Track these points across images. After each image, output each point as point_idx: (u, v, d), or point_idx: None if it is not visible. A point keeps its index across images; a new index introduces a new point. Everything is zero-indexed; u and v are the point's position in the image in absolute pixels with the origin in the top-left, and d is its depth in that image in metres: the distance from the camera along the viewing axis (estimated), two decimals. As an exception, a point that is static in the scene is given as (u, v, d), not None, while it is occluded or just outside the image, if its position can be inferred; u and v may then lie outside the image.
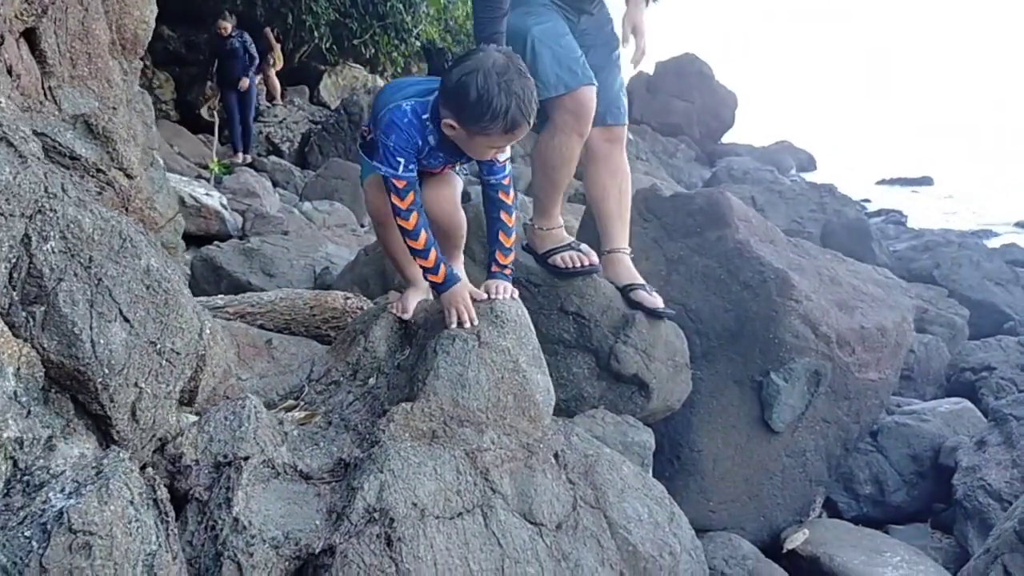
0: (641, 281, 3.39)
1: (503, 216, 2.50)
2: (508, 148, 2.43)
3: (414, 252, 2.38)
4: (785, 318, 3.59)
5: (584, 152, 3.20)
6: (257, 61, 11.24)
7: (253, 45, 10.98)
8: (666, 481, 2.97)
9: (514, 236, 2.56)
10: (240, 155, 10.89)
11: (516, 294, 2.54)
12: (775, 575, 3.24)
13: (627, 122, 3.29)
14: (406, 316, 2.66)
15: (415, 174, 2.31)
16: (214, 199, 6.80)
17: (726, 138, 24.17)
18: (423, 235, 2.34)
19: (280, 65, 13.83)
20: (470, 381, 2.30)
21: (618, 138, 3.24)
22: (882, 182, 24.72)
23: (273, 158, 11.58)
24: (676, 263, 4.01)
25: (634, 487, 2.72)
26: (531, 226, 3.36)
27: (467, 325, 2.37)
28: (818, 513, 3.96)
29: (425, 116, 2.27)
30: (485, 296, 2.50)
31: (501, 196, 2.48)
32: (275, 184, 9.60)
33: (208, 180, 8.28)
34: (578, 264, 3.25)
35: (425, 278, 2.47)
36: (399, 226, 2.34)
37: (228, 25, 10.88)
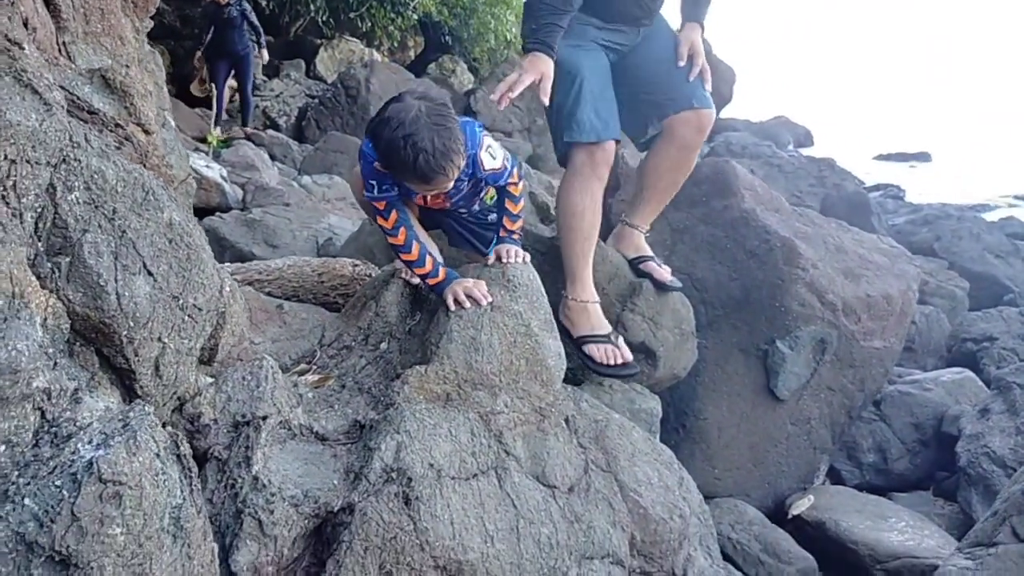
0: (651, 254, 3.35)
1: (510, 190, 2.54)
2: (498, 153, 2.45)
3: (409, 264, 2.43)
4: (791, 286, 3.59)
5: (665, 135, 3.11)
6: (261, 31, 10.67)
7: (253, 14, 10.46)
8: (672, 448, 2.99)
9: (521, 204, 2.57)
10: (219, 128, 10.16)
11: (527, 258, 2.54)
12: (781, 540, 3.26)
13: (713, 110, 3.12)
14: (415, 280, 2.66)
15: (394, 193, 2.35)
16: (214, 171, 6.75)
17: (724, 113, 24.02)
18: (415, 247, 2.40)
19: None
20: (483, 345, 2.30)
21: (704, 127, 3.09)
22: (880, 157, 24.66)
23: (271, 132, 11.50)
24: (681, 232, 4.01)
25: (644, 452, 2.74)
26: (564, 298, 3.04)
27: (484, 303, 2.34)
28: (822, 480, 3.98)
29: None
30: (494, 260, 2.49)
31: (509, 188, 2.55)
32: (273, 158, 9.53)
33: (207, 153, 8.23)
34: (614, 361, 2.97)
35: (425, 283, 2.47)
36: (391, 244, 2.42)
37: None
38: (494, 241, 2.57)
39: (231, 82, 10.85)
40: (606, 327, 3.03)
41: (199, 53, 10.63)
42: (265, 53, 10.92)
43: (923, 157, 25.05)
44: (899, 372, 4.99)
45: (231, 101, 11.16)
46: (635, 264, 3.33)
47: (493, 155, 2.40)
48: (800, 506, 3.53)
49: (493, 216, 2.70)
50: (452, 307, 2.33)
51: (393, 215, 2.35)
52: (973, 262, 7.69)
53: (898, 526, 3.31)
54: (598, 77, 2.93)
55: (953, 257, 7.73)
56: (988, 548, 2.57)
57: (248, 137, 10.18)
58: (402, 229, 2.37)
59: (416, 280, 2.67)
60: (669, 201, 3.35)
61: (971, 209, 10.53)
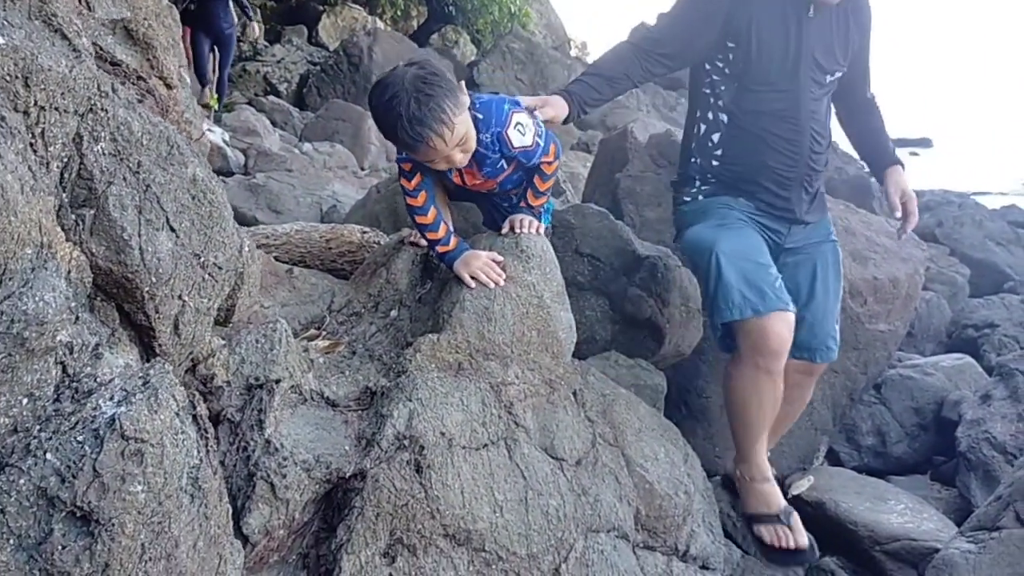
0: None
1: (543, 168, 2.47)
2: (529, 130, 2.36)
3: (423, 227, 2.39)
4: (799, 266, 3.57)
5: None
6: (247, 7, 9.92)
7: None
8: (674, 425, 2.98)
9: (550, 183, 2.51)
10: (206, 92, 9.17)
11: (543, 229, 2.51)
12: (781, 518, 3.27)
13: (833, 360, 2.85)
14: (422, 243, 2.63)
15: None
16: (216, 135, 6.71)
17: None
18: (432, 211, 2.37)
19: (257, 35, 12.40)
20: (495, 315, 2.28)
21: (816, 374, 2.87)
22: (881, 143, 24.59)
23: (271, 98, 11.41)
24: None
25: (651, 427, 2.74)
26: (734, 468, 2.89)
27: (491, 286, 2.29)
28: (821, 461, 3.99)
29: None
30: (508, 230, 2.47)
31: (542, 167, 2.47)
32: (274, 124, 9.46)
33: (208, 117, 8.16)
34: (785, 544, 2.67)
35: (434, 251, 2.42)
36: (408, 205, 2.38)
37: None
38: (512, 211, 2.53)
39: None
40: (777, 505, 2.74)
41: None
42: (256, 27, 10.29)
43: (925, 143, 24.99)
44: (900, 356, 4.99)
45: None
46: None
47: (522, 132, 2.33)
48: (800, 486, 3.54)
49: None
50: (470, 283, 2.28)
51: (417, 178, 2.33)
52: (974, 249, 7.68)
53: (897, 508, 3.32)
54: (741, 241, 2.62)
55: (954, 243, 7.71)
56: (991, 532, 2.58)
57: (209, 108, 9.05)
58: (423, 193, 2.34)
59: (424, 243, 2.65)
60: (775, 433, 2.95)
61: (973, 196, 10.49)
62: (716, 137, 2.76)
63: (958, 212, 8.23)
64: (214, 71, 9.73)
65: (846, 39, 2.68)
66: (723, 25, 2.63)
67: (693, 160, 2.84)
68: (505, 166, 2.43)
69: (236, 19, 9.72)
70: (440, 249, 2.39)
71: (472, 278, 2.29)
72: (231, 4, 9.41)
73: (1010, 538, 2.52)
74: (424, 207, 2.35)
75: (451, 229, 2.42)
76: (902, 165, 2.86)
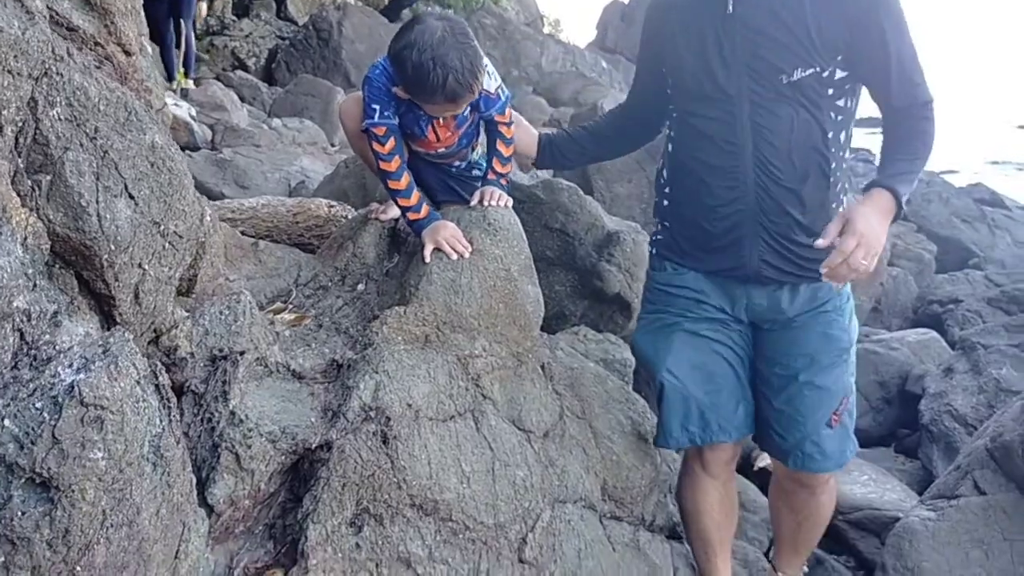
0: None
1: (502, 130, 2.49)
2: (493, 80, 2.41)
3: (395, 192, 2.38)
4: (767, 241, 3.60)
5: (775, 471, 2.53)
6: None
7: None
8: (643, 399, 3.00)
9: (512, 148, 2.52)
10: (176, 82, 8.50)
11: (511, 203, 2.51)
12: (747, 490, 3.31)
13: (830, 471, 2.34)
14: (384, 217, 2.63)
15: (394, 121, 2.33)
16: (182, 110, 6.59)
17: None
18: (405, 176, 2.36)
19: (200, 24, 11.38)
20: (463, 287, 2.28)
21: (809, 484, 2.38)
22: (850, 122, 24.79)
23: (239, 73, 11.24)
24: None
25: (617, 400, 2.76)
26: None
27: (455, 257, 2.29)
28: (787, 435, 4.04)
29: (388, 76, 2.30)
30: (477, 201, 2.46)
31: (498, 121, 2.48)
32: (242, 99, 9.32)
33: (174, 91, 8.02)
34: None
35: (405, 218, 2.43)
36: (381, 170, 2.36)
37: None
38: (481, 183, 2.53)
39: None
40: None
41: None
42: (203, 6, 9.27)
43: (893, 123, 25.11)
44: (866, 332, 5.06)
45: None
46: None
47: (490, 74, 2.37)
48: (765, 458, 3.58)
49: (479, 171, 2.67)
50: (427, 258, 2.28)
51: (391, 142, 2.32)
52: (941, 226, 7.79)
53: (861, 479, 3.38)
54: (689, 365, 2.31)
55: (921, 220, 7.83)
56: (950, 500, 2.64)
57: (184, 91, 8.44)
58: (396, 157, 2.34)
59: (390, 216, 2.65)
60: (811, 542, 2.60)
61: (940, 174, 10.63)
62: (665, 173, 2.35)
63: (926, 190, 8.34)
64: (177, 38, 8.89)
65: (805, 27, 2.01)
66: (656, 58, 2.33)
67: (655, 199, 2.45)
68: (468, 114, 2.46)
69: None
70: (411, 216, 2.38)
71: (437, 248, 2.29)
72: None
73: (968, 506, 2.58)
74: (398, 172, 2.35)
75: (422, 197, 2.41)
76: (893, 193, 1.92)
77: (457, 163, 2.67)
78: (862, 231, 1.82)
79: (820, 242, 1.87)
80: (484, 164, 2.65)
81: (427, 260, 2.29)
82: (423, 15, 2.21)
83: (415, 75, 2.12)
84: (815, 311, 2.21)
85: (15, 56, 1.21)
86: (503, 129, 2.48)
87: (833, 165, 2.10)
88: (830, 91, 2.06)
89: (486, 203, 2.45)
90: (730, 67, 2.08)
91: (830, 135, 2.08)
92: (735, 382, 2.31)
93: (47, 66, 1.30)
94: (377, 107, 2.30)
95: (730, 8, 2.05)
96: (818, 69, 2.02)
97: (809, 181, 2.09)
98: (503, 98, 2.44)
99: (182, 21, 8.67)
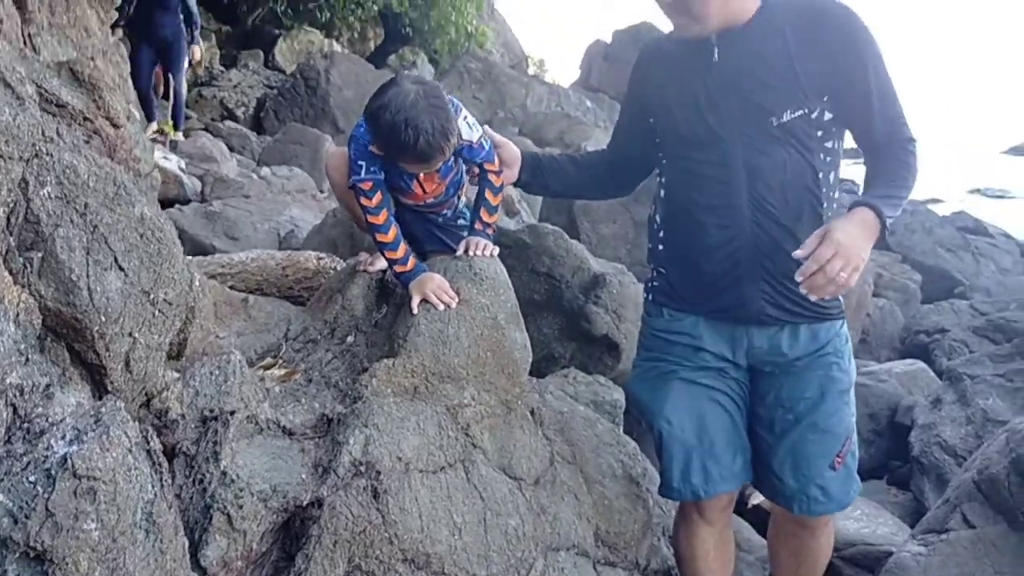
0: None
1: (491, 179, 2.53)
2: (476, 129, 2.47)
3: (383, 245, 2.43)
4: (751, 280, 3.64)
5: (773, 513, 2.52)
6: (197, 19, 8.68)
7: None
8: (634, 440, 3.02)
9: (500, 198, 2.57)
10: (153, 125, 8.11)
11: (496, 252, 2.55)
12: (742, 529, 3.32)
13: (833, 512, 2.35)
14: (372, 269, 2.68)
15: (380, 176, 2.39)
16: (172, 163, 6.66)
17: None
18: (392, 230, 2.41)
19: (200, 72, 11.76)
20: (450, 338, 2.31)
21: (810, 525, 2.36)
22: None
23: (228, 123, 11.35)
24: (643, 226, 4.04)
25: (608, 443, 2.78)
26: None
27: (441, 308, 2.34)
28: (780, 470, 4.05)
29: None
30: (462, 252, 2.50)
31: (487, 168, 2.52)
32: (231, 149, 9.40)
33: (163, 144, 8.09)
34: None
35: (392, 270, 2.48)
36: (369, 224, 2.41)
37: None
38: (468, 233, 2.57)
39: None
40: None
41: (121, 28, 8.14)
42: (197, 50, 8.87)
43: (876, 153, 25.36)
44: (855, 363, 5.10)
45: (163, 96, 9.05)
46: None
47: (471, 126, 2.44)
48: (759, 496, 3.59)
49: (464, 220, 2.73)
50: (415, 310, 2.32)
51: (378, 196, 2.38)
52: (925, 255, 7.87)
53: (853, 514, 3.39)
54: (688, 415, 2.29)
55: (906, 251, 7.90)
56: (940, 535, 2.66)
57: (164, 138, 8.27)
58: (384, 211, 2.39)
59: (377, 267, 2.69)
60: None
61: (923, 203, 10.75)
62: (659, 217, 2.36)
63: (909, 219, 8.43)
64: (166, 89, 8.88)
65: (791, 69, 2.04)
66: (643, 111, 2.36)
67: (648, 246, 2.46)
68: (453, 164, 2.53)
69: (182, 29, 8.51)
70: (398, 268, 2.43)
71: (423, 300, 2.34)
72: (179, 11, 8.38)
73: (958, 539, 2.60)
74: (385, 226, 2.39)
75: (409, 250, 2.46)
76: (876, 212, 1.90)
77: (444, 212, 2.73)
78: (839, 240, 1.81)
79: (798, 252, 1.86)
80: (468, 213, 2.71)
81: (414, 312, 2.33)
82: (399, 78, 2.28)
83: (388, 135, 2.20)
84: (816, 354, 2.19)
85: (6, 141, 1.26)
86: (492, 177, 2.52)
87: (825, 205, 2.12)
88: (819, 132, 2.09)
89: (471, 253, 2.49)
90: (720, 112, 2.12)
91: (820, 175, 2.11)
92: (733, 431, 2.31)
93: (37, 148, 1.34)
94: (363, 163, 2.36)
95: (715, 56, 2.11)
96: (806, 111, 2.05)
97: (803, 220, 2.10)
98: (487, 147, 2.49)
99: (171, 74, 8.61)
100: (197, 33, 8.71)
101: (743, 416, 2.33)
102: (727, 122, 2.11)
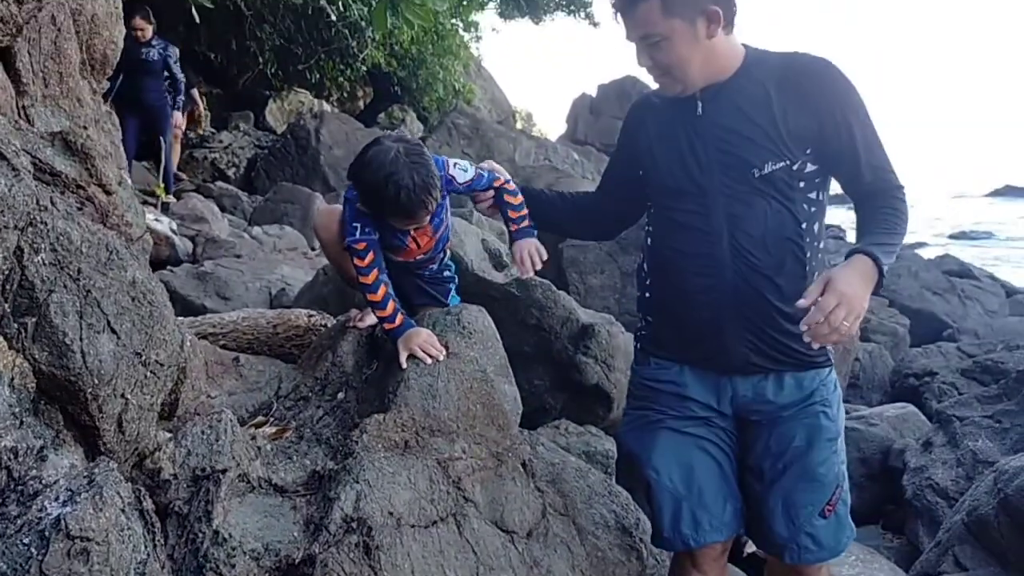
0: None
1: (504, 187, 2.60)
2: (469, 167, 2.56)
3: (373, 304, 2.48)
4: (738, 327, 3.68)
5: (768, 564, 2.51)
6: (182, 85, 8.82)
7: (178, 63, 8.64)
8: (627, 490, 3.02)
9: (520, 198, 2.60)
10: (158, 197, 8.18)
11: (545, 255, 2.56)
12: (736, 577, 3.31)
13: (825, 561, 2.30)
14: (362, 325, 2.71)
15: (375, 236, 2.45)
16: (163, 224, 6.71)
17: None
18: (382, 289, 2.45)
19: (205, 126, 12.25)
20: (440, 391, 2.34)
21: (804, 574, 2.32)
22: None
23: (220, 183, 11.45)
24: (630, 276, 4.11)
25: (600, 494, 2.78)
26: None
27: (429, 362, 2.38)
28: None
29: None
30: (519, 260, 2.53)
31: (496, 186, 2.59)
32: (223, 209, 9.47)
33: (155, 206, 8.16)
34: None
35: (381, 328, 2.54)
36: (361, 283, 2.46)
37: (147, 27, 8.16)
38: (512, 236, 2.59)
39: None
40: None
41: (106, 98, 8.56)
42: (178, 116, 8.92)
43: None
44: (845, 408, 5.11)
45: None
46: None
47: (464, 169, 2.53)
48: (754, 544, 3.59)
49: (450, 272, 2.82)
50: (403, 364, 2.36)
51: (370, 256, 2.43)
52: (912, 299, 7.95)
53: (848, 560, 3.38)
54: (676, 462, 2.29)
55: (893, 295, 7.98)
56: (934, 578, 2.66)
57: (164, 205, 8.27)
58: (375, 271, 2.43)
59: (367, 323, 2.72)
60: None
61: (909, 247, 10.87)
62: (646, 266, 2.39)
63: (895, 264, 8.50)
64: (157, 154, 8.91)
65: (773, 122, 2.08)
66: (632, 161, 2.40)
67: (637, 294, 2.50)
68: (443, 217, 2.61)
69: (168, 96, 8.69)
70: (387, 326, 2.47)
71: (410, 356, 2.37)
72: (163, 78, 8.54)
73: (951, 582, 2.60)
74: (375, 284, 2.44)
75: (398, 307, 2.50)
76: (873, 260, 1.92)
77: (431, 267, 2.78)
78: (843, 291, 1.84)
79: (801, 302, 1.87)
80: (453, 265, 2.78)
81: (403, 367, 2.36)
82: (381, 138, 2.36)
83: (371, 193, 2.30)
84: (802, 403, 2.20)
85: (2, 211, 1.30)
86: (505, 186, 2.59)
87: (808, 254, 2.15)
88: (801, 184, 2.12)
89: (527, 263, 2.51)
90: (703, 164, 2.16)
91: (803, 225, 2.13)
92: (722, 480, 2.30)
93: (32, 216, 1.39)
94: (357, 225, 2.42)
95: (699, 111, 2.16)
96: (788, 162, 2.08)
97: (785, 269, 2.13)
98: (486, 174, 2.57)
99: (161, 138, 8.70)
100: (180, 98, 8.84)
101: (732, 465, 2.33)
102: (709, 174, 2.15)
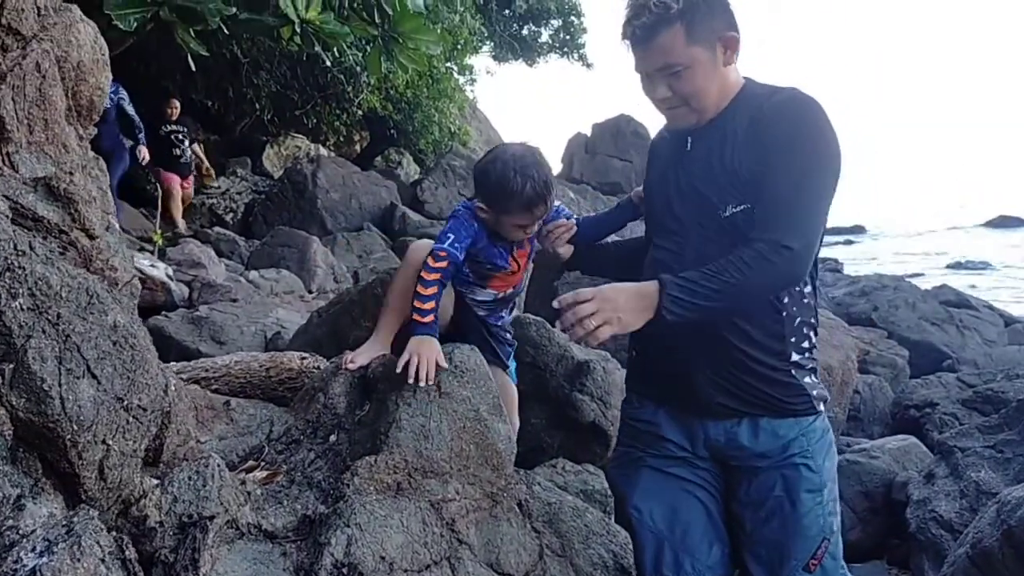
0: None
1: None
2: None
3: (422, 297, 2.46)
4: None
5: None
6: (140, 126, 9.07)
7: (131, 105, 8.90)
8: (626, 529, 2.98)
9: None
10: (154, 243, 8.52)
11: (574, 229, 2.64)
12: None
13: None
14: (352, 366, 2.65)
15: (459, 254, 2.52)
16: (159, 270, 6.70)
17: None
18: (433, 288, 2.46)
19: (212, 178, 12.84)
20: (432, 432, 2.31)
21: None
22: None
23: (217, 228, 11.49)
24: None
25: (598, 533, 2.74)
26: None
27: (422, 383, 2.34)
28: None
29: (472, 211, 2.58)
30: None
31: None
32: (220, 254, 9.49)
33: (152, 252, 8.17)
34: None
35: (412, 318, 2.48)
36: (420, 276, 2.48)
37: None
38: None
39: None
40: None
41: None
42: (143, 150, 9.18)
43: (858, 230, 25.89)
44: (847, 441, 5.08)
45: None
46: None
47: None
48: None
49: (511, 335, 2.92)
50: (399, 367, 2.35)
51: (444, 263, 2.47)
52: (911, 330, 7.93)
53: (854, 597, 3.33)
54: (656, 501, 2.28)
55: (891, 327, 7.96)
56: (940, 612, 2.61)
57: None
58: (435, 287, 2.45)
59: (359, 364, 2.68)
60: None
61: (906, 278, 10.88)
62: None
63: (892, 295, 8.52)
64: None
65: (732, 161, 2.06)
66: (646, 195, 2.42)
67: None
68: (536, 243, 2.73)
69: (123, 140, 8.99)
70: (416, 318, 2.44)
71: (406, 367, 2.34)
72: (117, 122, 8.76)
73: (958, 617, 2.55)
74: (431, 282, 2.45)
75: (436, 310, 2.48)
76: (660, 290, 1.91)
77: (504, 315, 2.83)
78: (604, 292, 1.89)
79: (564, 297, 1.92)
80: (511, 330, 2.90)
81: (398, 370, 2.34)
82: (503, 144, 2.55)
83: (497, 183, 2.43)
84: (781, 455, 2.13)
85: (-22, 257, 1.29)
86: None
87: (786, 300, 2.09)
88: (753, 206, 2.02)
89: (557, 233, 2.61)
90: (683, 201, 2.15)
91: None
92: (707, 522, 2.25)
93: (9, 261, 1.38)
94: (452, 236, 2.51)
95: (688, 146, 2.17)
96: (749, 206, 2.01)
97: (756, 317, 2.07)
98: (563, 208, 2.72)
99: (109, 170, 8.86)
100: (141, 136, 9.04)
101: (719, 507, 2.28)
102: (686, 212, 2.15)
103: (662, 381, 2.25)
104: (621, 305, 1.90)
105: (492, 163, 2.47)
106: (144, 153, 9.06)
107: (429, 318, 2.45)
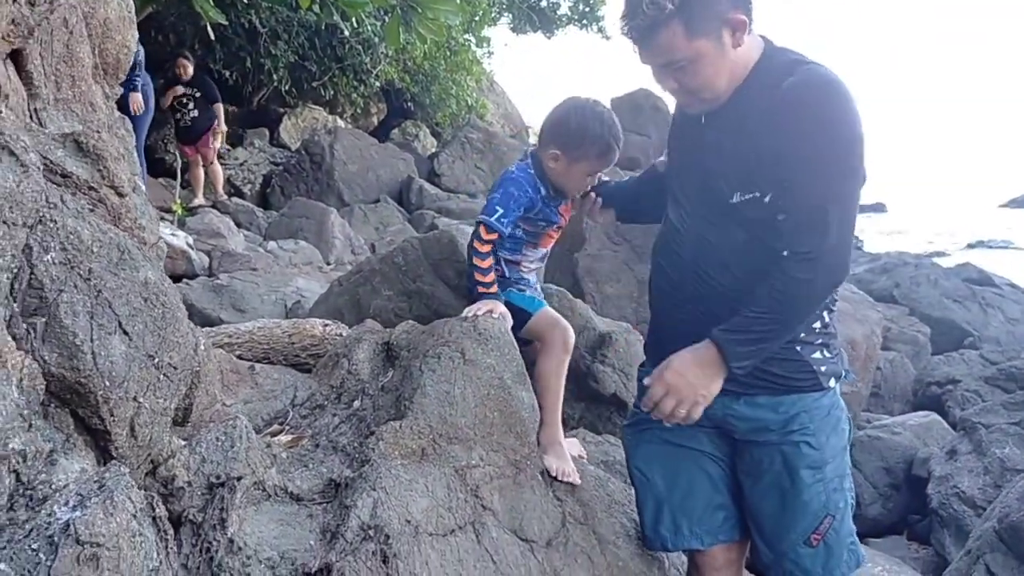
0: None
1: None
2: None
3: (480, 269, 2.56)
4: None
5: None
6: (138, 72, 8.56)
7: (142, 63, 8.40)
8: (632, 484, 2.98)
9: None
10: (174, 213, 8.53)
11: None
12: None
13: None
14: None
15: (505, 229, 2.56)
16: (180, 239, 6.73)
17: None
18: (488, 261, 2.56)
19: (222, 141, 12.05)
20: (456, 398, 2.30)
21: None
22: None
23: (236, 199, 11.50)
24: (646, 284, 4.06)
25: (620, 503, 2.73)
26: None
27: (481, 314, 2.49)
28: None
29: (531, 170, 2.62)
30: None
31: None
32: (238, 225, 9.51)
33: (172, 222, 8.20)
34: None
35: (474, 286, 2.59)
36: (473, 249, 2.57)
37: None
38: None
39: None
40: None
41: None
42: (137, 98, 8.61)
43: (879, 208, 25.66)
44: (868, 417, 5.05)
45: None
46: None
47: None
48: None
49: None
50: (468, 312, 2.50)
51: (491, 244, 2.55)
52: (932, 307, 7.86)
53: (875, 571, 3.32)
54: (658, 464, 2.33)
55: (913, 303, 7.90)
56: (964, 587, 2.59)
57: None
58: (490, 258, 2.56)
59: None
60: None
61: (928, 256, 10.78)
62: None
63: (914, 272, 8.44)
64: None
65: (744, 149, 1.96)
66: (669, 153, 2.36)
67: None
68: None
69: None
70: (480, 290, 2.56)
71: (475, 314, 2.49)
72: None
73: (983, 591, 2.54)
74: (485, 254, 2.54)
75: (496, 279, 2.60)
76: (719, 347, 1.94)
77: (531, 278, 2.85)
78: (670, 381, 1.95)
79: (647, 380, 2.02)
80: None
81: (467, 315, 2.49)
82: (573, 96, 2.61)
83: (579, 128, 2.50)
84: (781, 431, 2.11)
85: (10, 207, 1.28)
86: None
87: None
88: (780, 216, 1.94)
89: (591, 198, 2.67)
90: (691, 182, 2.12)
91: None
92: (710, 487, 2.27)
93: (41, 214, 1.37)
94: (500, 210, 2.53)
95: (703, 119, 2.08)
96: (759, 194, 1.95)
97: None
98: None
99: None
100: (136, 78, 8.45)
101: (725, 472, 2.29)
102: (694, 192, 2.11)
103: (664, 352, 2.16)
104: (693, 382, 1.95)
105: (571, 111, 2.54)
106: (137, 102, 8.56)
107: (493, 288, 2.57)
